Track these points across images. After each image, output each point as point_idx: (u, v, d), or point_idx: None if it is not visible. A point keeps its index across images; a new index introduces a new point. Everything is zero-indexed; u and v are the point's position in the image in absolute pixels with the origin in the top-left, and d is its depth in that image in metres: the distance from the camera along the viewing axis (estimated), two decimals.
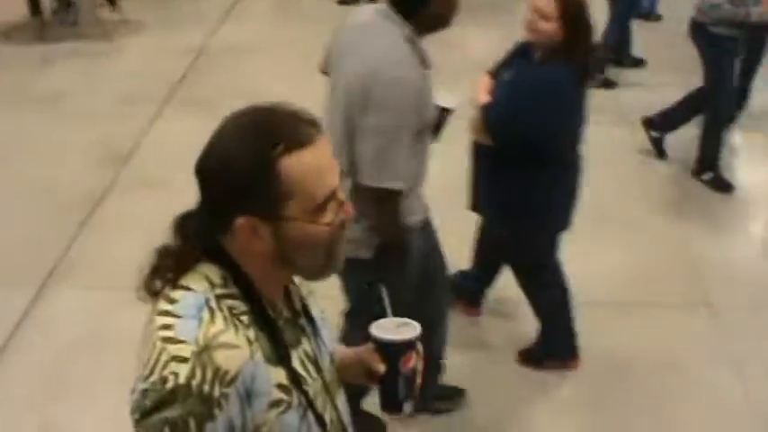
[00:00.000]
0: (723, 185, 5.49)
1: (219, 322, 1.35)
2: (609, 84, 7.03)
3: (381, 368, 1.64)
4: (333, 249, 1.45)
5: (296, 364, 1.48)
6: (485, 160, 3.50)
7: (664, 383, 3.84)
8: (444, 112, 2.96)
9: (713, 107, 5.42)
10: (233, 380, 1.33)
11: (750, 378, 3.87)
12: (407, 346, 1.65)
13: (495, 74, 3.49)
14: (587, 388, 3.80)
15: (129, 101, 6.48)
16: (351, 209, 1.46)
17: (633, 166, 5.81)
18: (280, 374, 1.43)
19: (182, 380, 1.30)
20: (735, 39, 5.23)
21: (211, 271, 1.41)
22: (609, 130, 6.32)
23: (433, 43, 2.75)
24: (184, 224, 1.46)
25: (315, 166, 1.36)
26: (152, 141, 5.89)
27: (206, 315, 1.35)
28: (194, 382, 1.30)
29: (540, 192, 3.41)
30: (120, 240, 4.59)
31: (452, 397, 3.67)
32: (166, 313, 1.38)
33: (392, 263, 2.88)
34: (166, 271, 1.43)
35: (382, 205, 2.75)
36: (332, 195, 1.40)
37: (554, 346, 3.91)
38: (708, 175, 5.50)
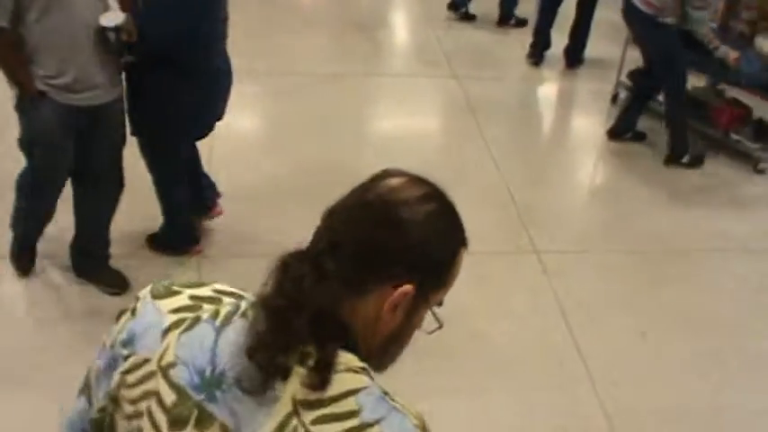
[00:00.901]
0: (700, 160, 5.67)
1: (399, 400, 1.28)
2: (521, 22, 7.51)
3: None
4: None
5: None
6: (131, 71, 3.66)
7: (494, 330, 3.99)
8: (104, 30, 3.38)
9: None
10: None
11: (574, 321, 4.09)
12: None
13: None
14: (421, 337, 3.87)
15: None
16: None
17: (461, 118, 5.96)
18: None
19: None
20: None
21: (352, 360, 1.26)
22: (441, 83, 6.46)
23: None
24: (323, 272, 1.26)
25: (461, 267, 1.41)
26: None
27: (394, 402, 1.25)
28: None
29: (175, 99, 3.60)
30: None
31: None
32: (361, 428, 1.20)
33: (22, 110, 3.40)
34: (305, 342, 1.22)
35: None
36: None
37: (175, 239, 4.24)
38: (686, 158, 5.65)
